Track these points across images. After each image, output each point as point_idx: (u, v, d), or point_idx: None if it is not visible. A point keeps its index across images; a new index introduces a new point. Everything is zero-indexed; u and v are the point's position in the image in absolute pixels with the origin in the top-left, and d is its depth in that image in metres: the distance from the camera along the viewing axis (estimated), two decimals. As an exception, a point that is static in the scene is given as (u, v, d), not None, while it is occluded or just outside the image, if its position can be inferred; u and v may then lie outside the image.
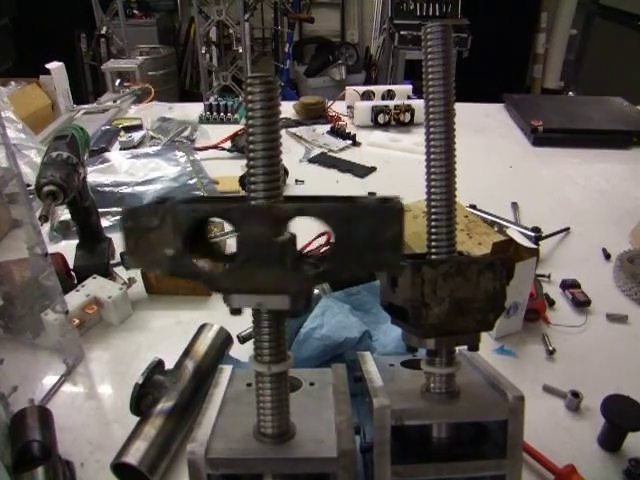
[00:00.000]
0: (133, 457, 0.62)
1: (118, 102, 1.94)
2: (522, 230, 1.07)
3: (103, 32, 3.44)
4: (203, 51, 3.39)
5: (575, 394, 0.75)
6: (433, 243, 0.54)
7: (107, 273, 0.97)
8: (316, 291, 0.87)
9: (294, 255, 0.44)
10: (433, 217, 0.54)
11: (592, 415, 0.73)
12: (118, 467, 0.62)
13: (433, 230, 0.54)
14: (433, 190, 0.53)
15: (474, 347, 0.54)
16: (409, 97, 1.85)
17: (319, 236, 1.01)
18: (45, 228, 1.14)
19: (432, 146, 0.53)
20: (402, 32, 3.50)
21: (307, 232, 0.91)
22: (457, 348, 0.55)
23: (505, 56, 3.81)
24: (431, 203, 0.54)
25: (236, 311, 0.46)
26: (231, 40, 3.68)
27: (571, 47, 4.09)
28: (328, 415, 0.54)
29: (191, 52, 4.24)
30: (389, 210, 0.43)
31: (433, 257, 0.54)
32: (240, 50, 3.35)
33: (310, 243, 1.00)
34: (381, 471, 0.52)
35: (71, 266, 0.97)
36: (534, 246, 0.84)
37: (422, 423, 0.55)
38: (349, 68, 4.24)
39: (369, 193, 1.34)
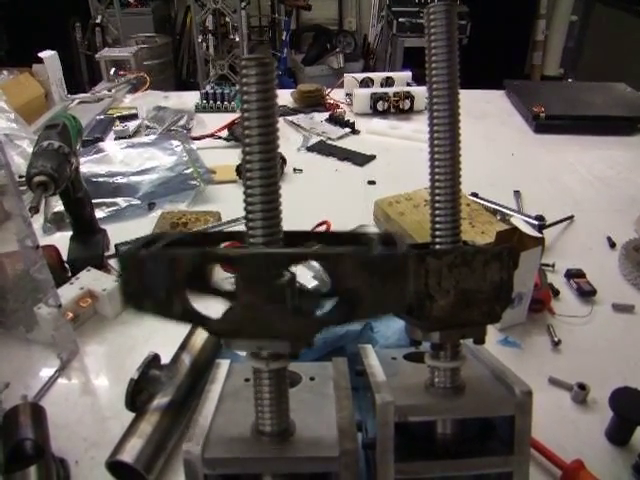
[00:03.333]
0: (129, 455, 0.60)
1: (113, 91, 1.90)
2: (525, 218, 1.05)
3: (98, 21, 3.39)
4: (199, 40, 3.36)
5: (582, 386, 0.73)
6: (437, 232, 0.51)
7: (102, 265, 0.95)
8: (315, 282, 0.85)
9: (296, 297, 0.43)
10: (437, 205, 0.51)
11: (599, 408, 0.71)
12: (113, 465, 0.61)
13: (437, 219, 0.51)
14: (437, 177, 0.51)
15: (480, 340, 0.52)
16: (408, 84, 1.83)
17: (319, 225, 0.99)
18: (39, 219, 1.12)
19: (436, 131, 0.50)
20: (400, 19, 3.47)
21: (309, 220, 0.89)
22: (462, 341, 0.53)
23: (504, 43, 3.76)
24: (435, 191, 0.51)
25: None
26: (228, 29, 3.63)
27: (571, 34, 4.05)
28: (329, 411, 0.52)
29: (187, 41, 4.20)
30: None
31: (437, 247, 0.51)
32: (237, 39, 3.32)
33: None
34: (384, 469, 0.50)
35: (65, 258, 0.95)
36: (539, 235, 0.82)
37: (427, 419, 0.53)
38: (347, 56, 4.21)
39: (369, 182, 1.32)
